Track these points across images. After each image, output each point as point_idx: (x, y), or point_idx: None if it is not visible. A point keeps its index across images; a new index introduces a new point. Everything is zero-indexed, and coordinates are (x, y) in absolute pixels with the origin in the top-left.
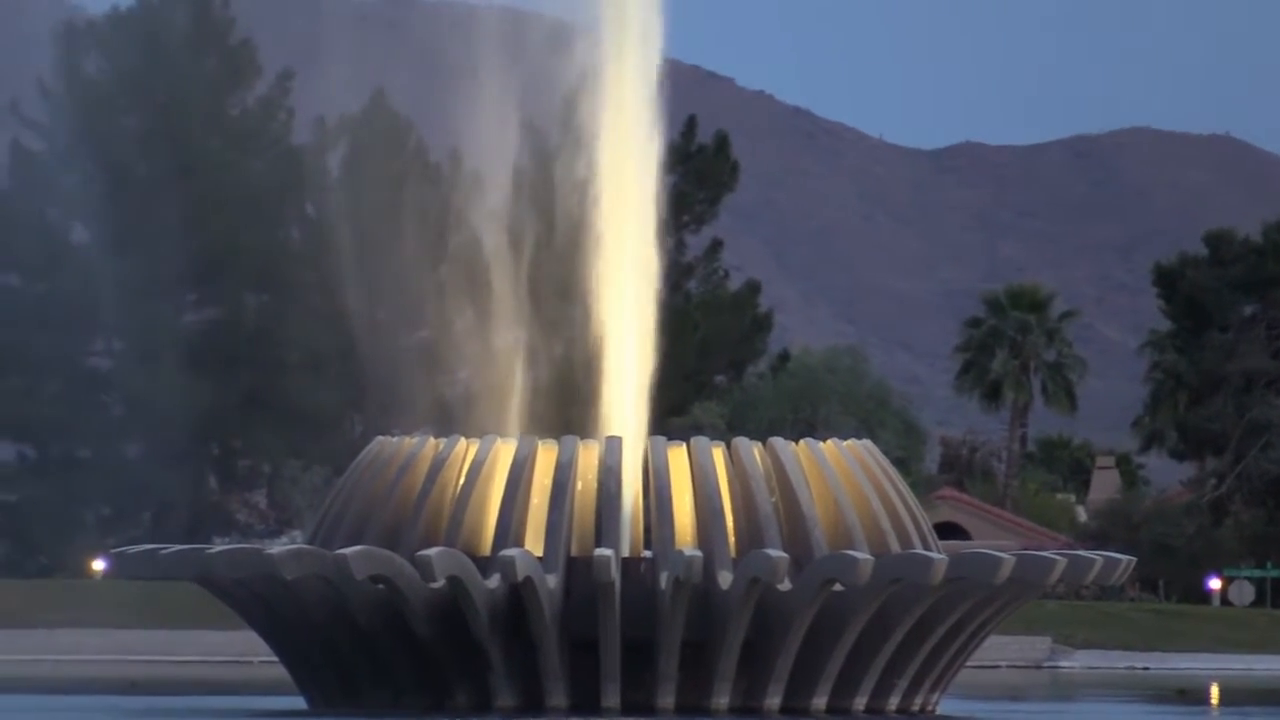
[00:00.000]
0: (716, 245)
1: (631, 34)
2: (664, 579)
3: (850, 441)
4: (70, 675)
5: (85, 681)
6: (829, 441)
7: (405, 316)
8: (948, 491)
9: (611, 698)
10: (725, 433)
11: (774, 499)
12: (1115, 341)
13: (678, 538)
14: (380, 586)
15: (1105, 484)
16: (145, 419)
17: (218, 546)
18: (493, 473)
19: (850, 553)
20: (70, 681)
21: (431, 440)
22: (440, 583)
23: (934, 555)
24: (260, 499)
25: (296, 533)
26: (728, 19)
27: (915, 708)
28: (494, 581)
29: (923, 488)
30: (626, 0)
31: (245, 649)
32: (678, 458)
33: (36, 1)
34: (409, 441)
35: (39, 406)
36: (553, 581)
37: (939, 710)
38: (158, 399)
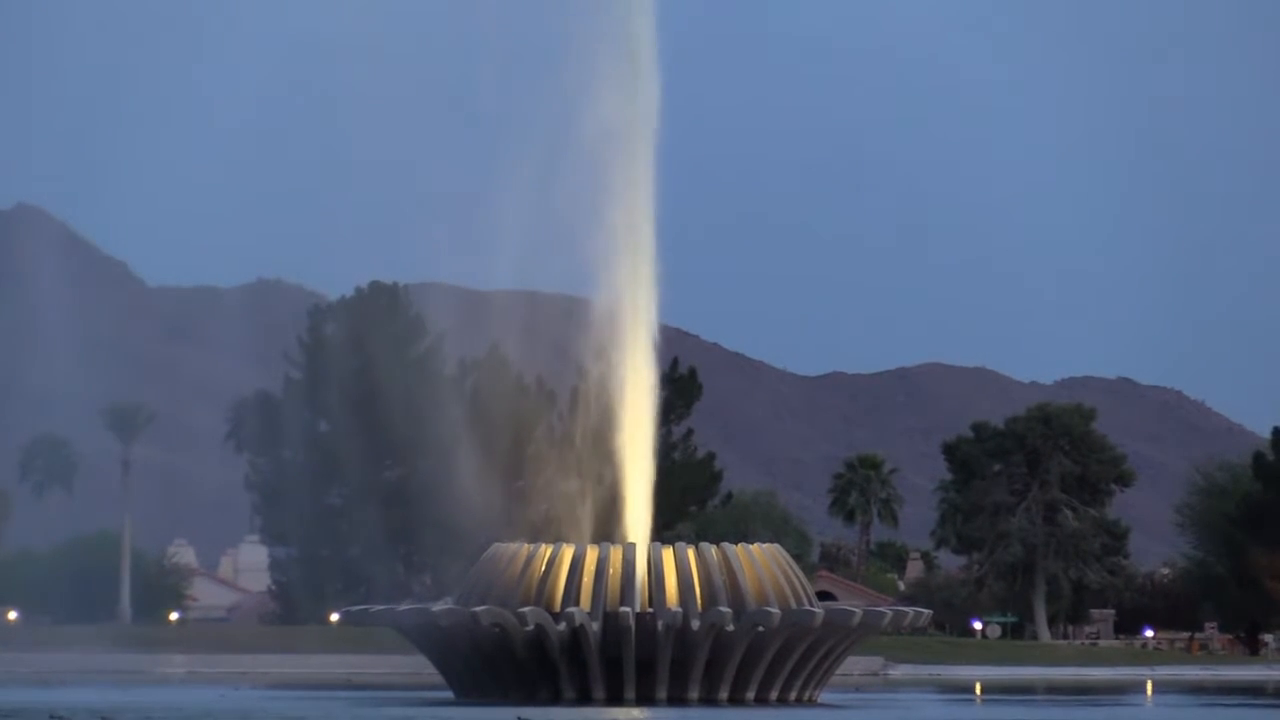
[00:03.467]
0: (690, 432)
1: (642, 313)
2: (660, 624)
3: (767, 545)
4: (317, 678)
5: (324, 682)
6: (755, 545)
7: (510, 474)
8: (824, 573)
9: (630, 693)
10: (695, 540)
11: (723, 578)
12: (921, 486)
13: (667, 600)
14: (496, 628)
15: (914, 569)
16: (361, 533)
17: (404, 606)
18: (562, 563)
19: (767, 609)
20: (316, 681)
21: (526, 545)
22: (531, 627)
23: (815, 610)
24: (428, 578)
25: (449, 598)
26: (694, 297)
27: (806, 698)
28: (563, 626)
29: (809, 571)
30: (639, 300)
31: (419, 666)
32: (668, 554)
33: (295, 290)
34: (513, 546)
35: (298, 526)
36: (596, 626)
37: (820, 698)
38: (368, 522)
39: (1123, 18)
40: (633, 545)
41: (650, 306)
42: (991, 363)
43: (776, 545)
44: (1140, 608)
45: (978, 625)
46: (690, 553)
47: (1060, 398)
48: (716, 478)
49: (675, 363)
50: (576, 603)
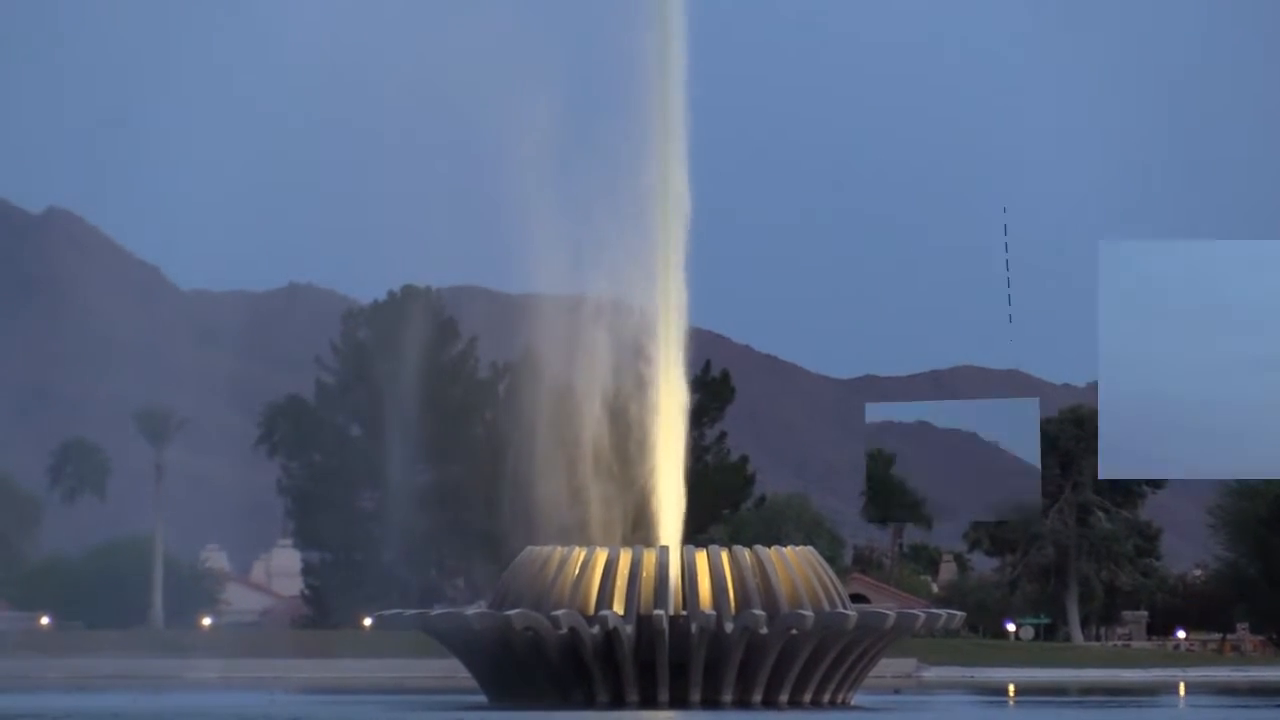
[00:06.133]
0: (722, 435)
1: (674, 316)
2: (694, 627)
3: (800, 548)
4: (350, 683)
5: (359, 686)
6: (788, 548)
7: (544, 478)
8: (857, 575)
9: (663, 696)
10: (728, 543)
11: (756, 581)
12: None
13: (701, 603)
14: (529, 632)
15: (947, 571)
16: (394, 537)
17: (437, 610)
18: (595, 566)
19: (801, 611)
20: (350, 686)
21: (559, 548)
22: (565, 630)
23: (849, 612)
24: (461, 582)
25: (482, 602)
26: (725, 299)
27: (840, 700)
28: (596, 629)
29: (842, 573)
30: (671, 303)
31: (452, 670)
32: (701, 557)
33: (327, 294)
34: (546, 549)
35: (333, 529)
36: (629, 629)
37: (853, 701)
38: (401, 526)
39: (1157, 18)
40: (666, 548)
41: (682, 309)
42: (1024, 365)
43: (809, 548)
44: (1172, 609)
45: (1010, 627)
46: (724, 555)
47: (1093, 400)
48: (749, 480)
49: (707, 366)
50: (610, 606)
